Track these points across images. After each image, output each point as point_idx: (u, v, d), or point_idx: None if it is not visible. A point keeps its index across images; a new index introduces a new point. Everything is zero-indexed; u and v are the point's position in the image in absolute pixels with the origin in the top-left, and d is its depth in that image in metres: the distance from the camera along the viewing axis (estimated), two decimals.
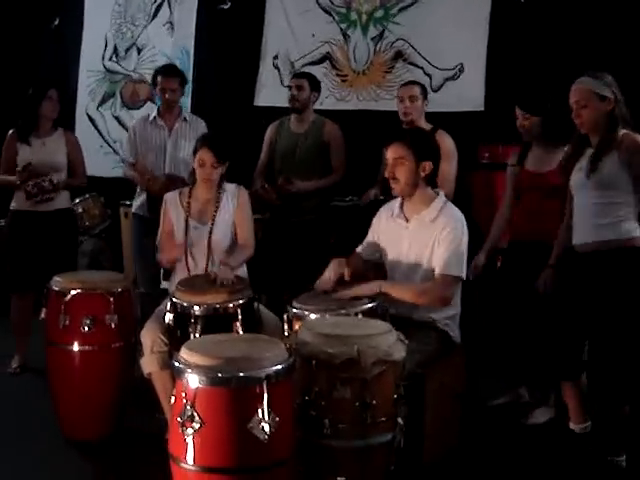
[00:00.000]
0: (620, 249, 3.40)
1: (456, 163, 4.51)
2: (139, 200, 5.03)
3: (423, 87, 4.72)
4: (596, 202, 3.45)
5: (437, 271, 3.45)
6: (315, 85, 5.05)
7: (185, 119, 5.05)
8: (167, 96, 4.96)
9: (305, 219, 4.93)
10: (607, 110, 3.41)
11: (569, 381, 3.67)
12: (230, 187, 4.12)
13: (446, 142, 4.45)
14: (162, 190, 4.44)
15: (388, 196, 3.78)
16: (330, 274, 3.56)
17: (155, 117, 5.03)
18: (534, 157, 4.13)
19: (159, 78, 4.98)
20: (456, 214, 3.55)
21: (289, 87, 5.05)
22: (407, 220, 3.60)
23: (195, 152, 4.00)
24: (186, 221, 4.01)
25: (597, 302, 3.44)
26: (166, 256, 4.03)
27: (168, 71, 5.04)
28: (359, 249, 3.81)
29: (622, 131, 3.40)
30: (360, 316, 3.28)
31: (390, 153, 3.54)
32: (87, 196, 6.33)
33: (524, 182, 4.14)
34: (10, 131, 4.85)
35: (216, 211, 4.02)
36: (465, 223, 3.53)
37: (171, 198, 4.10)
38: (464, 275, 3.49)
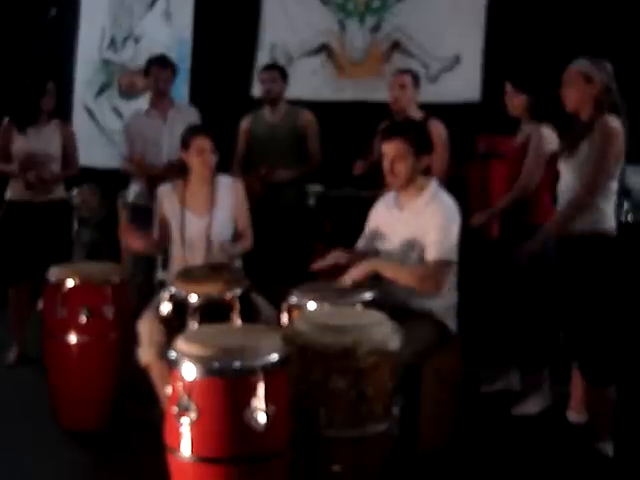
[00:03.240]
0: (585, 237, 3.43)
1: (448, 151, 4.54)
2: (133, 190, 5.04)
3: (415, 76, 4.75)
4: (571, 187, 3.48)
5: (429, 257, 3.46)
6: (285, 76, 5.10)
7: (178, 108, 5.09)
8: (160, 85, 4.99)
9: (289, 207, 4.97)
10: (592, 93, 3.41)
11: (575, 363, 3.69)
12: (225, 180, 4.11)
13: (438, 130, 4.51)
14: (163, 173, 4.53)
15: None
16: (327, 260, 3.62)
17: (148, 109, 5.07)
18: (519, 134, 4.20)
19: (154, 69, 5.02)
20: (447, 200, 3.57)
21: (262, 81, 5.06)
22: (401, 209, 3.62)
23: (186, 143, 3.98)
24: (182, 214, 4.01)
25: (566, 289, 3.51)
26: (130, 243, 4.05)
27: (161, 61, 5.08)
28: (358, 244, 3.81)
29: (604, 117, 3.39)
30: (358, 306, 3.29)
31: (389, 149, 3.52)
32: (85, 187, 6.32)
33: (508, 157, 4.26)
34: (6, 120, 4.85)
35: (213, 204, 4.01)
36: (457, 209, 3.55)
37: (165, 191, 4.08)
38: (455, 259, 3.51)
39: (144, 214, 4.57)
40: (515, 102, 4.13)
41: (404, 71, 4.84)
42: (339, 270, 3.60)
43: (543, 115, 4.03)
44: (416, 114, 4.62)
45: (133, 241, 3.98)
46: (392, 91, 4.65)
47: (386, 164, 3.55)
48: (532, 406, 4.08)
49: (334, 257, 3.62)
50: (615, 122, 3.36)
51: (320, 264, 3.64)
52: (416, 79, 4.72)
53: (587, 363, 3.54)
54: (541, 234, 3.61)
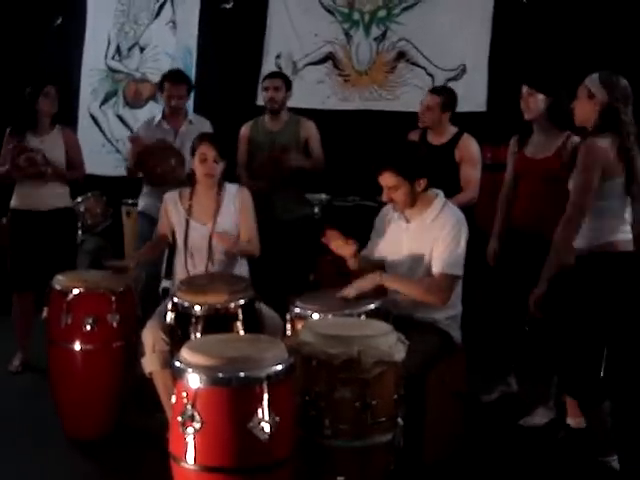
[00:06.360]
0: (593, 254, 3.38)
1: (480, 167, 4.54)
2: (145, 199, 5.03)
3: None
4: None
5: (435, 270, 3.47)
6: (289, 84, 5.08)
7: (190, 121, 5.05)
8: (173, 103, 4.96)
9: (294, 216, 4.96)
10: (593, 109, 3.38)
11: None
12: (231, 188, 4.12)
13: (468, 146, 4.53)
14: (151, 148, 4.57)
15: None
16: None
17: (160, 120, 5.03)
18: (533, 143, 4.09)
19: (166, 84, 4.98)
20: (456, 214, 3.57)
21: (265, 88, 5.04)
22: (408, 221, 3.61)
23: (194, 150, 4.00)
24: (187, 222, 4.01)
25: (569, 302, 3.45)
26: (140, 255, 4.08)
27: (176, 78, 5.03)
28: (363, 253, 3.81)
29: None
30: (363, 317, 3.29)
31: (382, 181, 3.53)
32: (89, 195, 6.32)
33: (521, 168, 4.12)
34: (8, 129, 4.85)
35: (217, 212, 4.01)
36: (465, 223, 3.54)
37: (171, 198, 4.09)
38: (461, 274, 3.51)
39: (154, 223, 4.58)
40: (531, 103, 4.01)
41: (435, 92, 4.75)
42: (342, 278, 3.59)
43: (563, 121, 3.91)
44: (446, 131, 4.61)
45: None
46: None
47: (384, 195, 3.56)
48: (539, 418, 4.07)
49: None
50: (601, 142, 3.31)
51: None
52: (448, 101, 4.63)
53: (574, 387, 3.53)
54: (546, 273, 3.46)
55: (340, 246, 3.65)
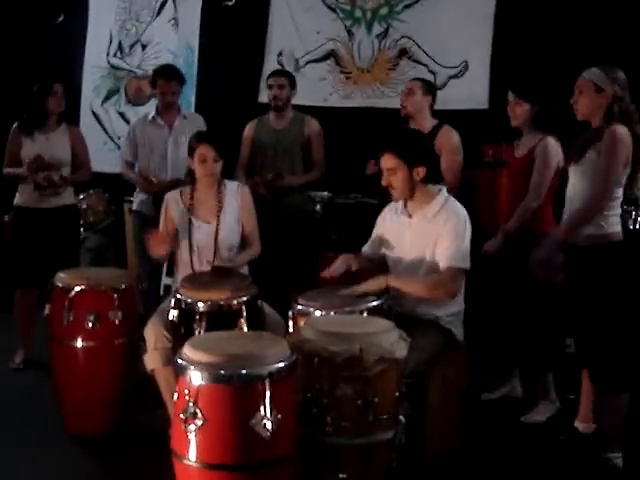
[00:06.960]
0: (595, 244, 3.42)
1: (461, 156, 4.55)
2: (139, 198, 5.05)
3: (427, 83, 4.75)
4: (578, 193, 3.48)
5: (443, 264, 3.46)
6: (293, 82, 5.08)
7: (184, 116, 5.07)
8: (168, 99, 4.98)
9: (295, 214, 4.96)
10: (602, 103, 3.41)
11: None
12: (231, 185, 4.13)
13: (448, 137, 4.52)
14: (166, 189, 4.48)
15: None
16: (338, 266, 3.63)
17: (154, 116, 5.04)
18: (521, 144, 4.18)
19: (159, 81, 4.99)
20: (458, 208, 3.57)
21: (270, 86, 5.05)
22: (410, 216, 3.62)
23: (192, 150, 3.99)
24: (190, 221, 4.01)
25: (575, 294, 3.51)
26: (154, 252, 3.99)
27: (168, 74, 5.02)
28: (364, 248, 3.82)
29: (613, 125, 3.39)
30: (365, 314, 3.29)
31: (382, 163, 3.55)
32: (91, 192, 6.33)
33: (512, 167, 4.23)
34: (14, 125, 4.85)
35: (220, 210, 4.01)
36: (468, 218, 3.55)
37: (172, 198, 4.09)
38: (468, 267, 3.51)
39: (148, 222, 4.56)
40: (517, 111, 4.10)
41: (415, 79, 4.84)
42: (348, 276, 3.60)
43: (546, 125, 4.02)
44: (427, 122, 4.60)
45: (157, 247, 3.93)
46: (402, 97, 4.66)
47: (383, 179, 3.58)
48: (540, 414, 4.07)
49: (344, 262, 3.63)
50: (623, 130, 3.35)
51: (330, 272, 3.64)
52: (428, 86, 4.69)
53: (597, 370, 3.52)
54: (550, 240, 3.56)
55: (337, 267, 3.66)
